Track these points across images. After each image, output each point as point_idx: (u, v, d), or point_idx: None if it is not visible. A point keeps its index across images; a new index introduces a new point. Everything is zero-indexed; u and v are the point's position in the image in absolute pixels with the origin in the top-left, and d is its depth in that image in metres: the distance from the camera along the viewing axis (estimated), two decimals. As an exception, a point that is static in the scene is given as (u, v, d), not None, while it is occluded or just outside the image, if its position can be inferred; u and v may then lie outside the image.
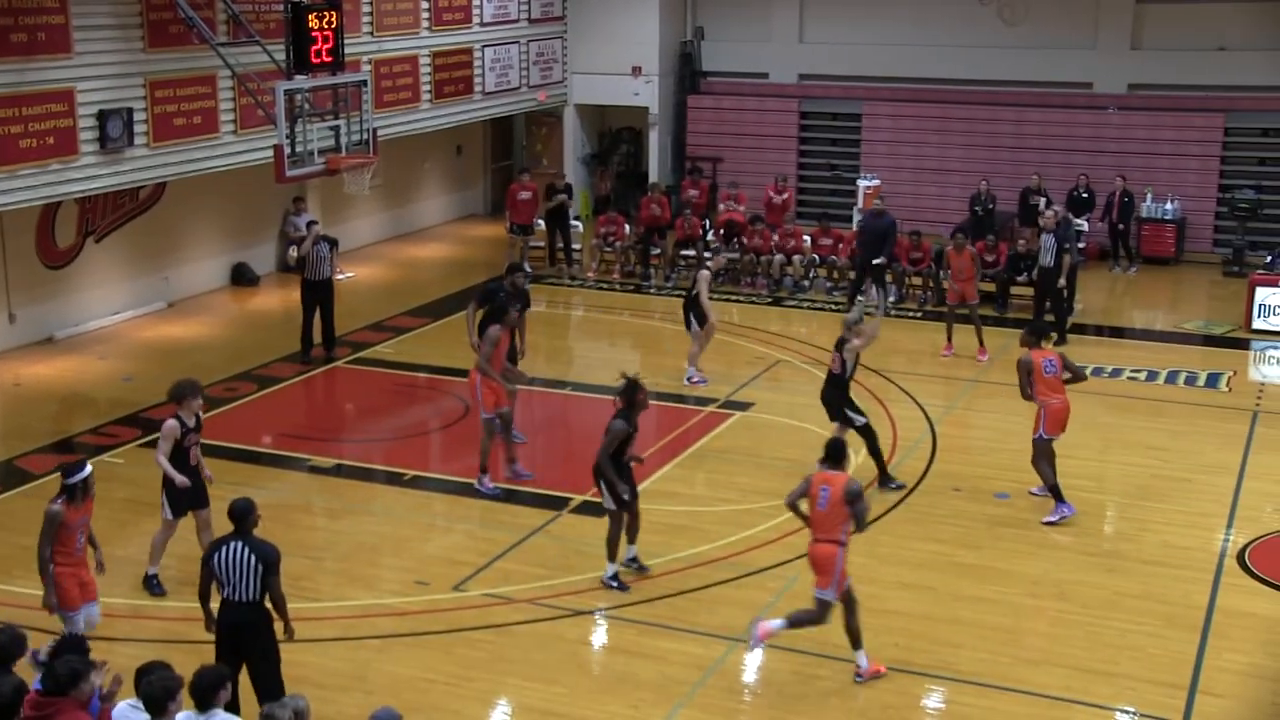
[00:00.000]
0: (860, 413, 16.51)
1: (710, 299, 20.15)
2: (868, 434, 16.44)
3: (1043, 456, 15.52)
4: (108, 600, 13.50)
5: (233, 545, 10.68)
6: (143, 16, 20.50)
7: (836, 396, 16.45)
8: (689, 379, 20.12)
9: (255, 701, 10.42)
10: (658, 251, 26.75)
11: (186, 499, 13.55)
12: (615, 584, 13.87)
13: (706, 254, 24.21)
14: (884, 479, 16.43)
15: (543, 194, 27.33)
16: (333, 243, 21.44)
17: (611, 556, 13.93)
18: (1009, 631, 13.07)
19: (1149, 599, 13.74)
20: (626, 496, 13.79)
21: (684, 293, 20.94)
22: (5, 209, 19.50)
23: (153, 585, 13.86)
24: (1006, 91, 29.61)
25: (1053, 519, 15.39)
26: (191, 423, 13.53)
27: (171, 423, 13.46)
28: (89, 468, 11.93)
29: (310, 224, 22.21)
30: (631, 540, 14.17)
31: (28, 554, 14.72)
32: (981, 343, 21.38)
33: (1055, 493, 15.49)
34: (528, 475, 16.73)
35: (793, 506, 12.35)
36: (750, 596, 13.74)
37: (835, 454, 12.36)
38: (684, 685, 12.10)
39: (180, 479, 13.39)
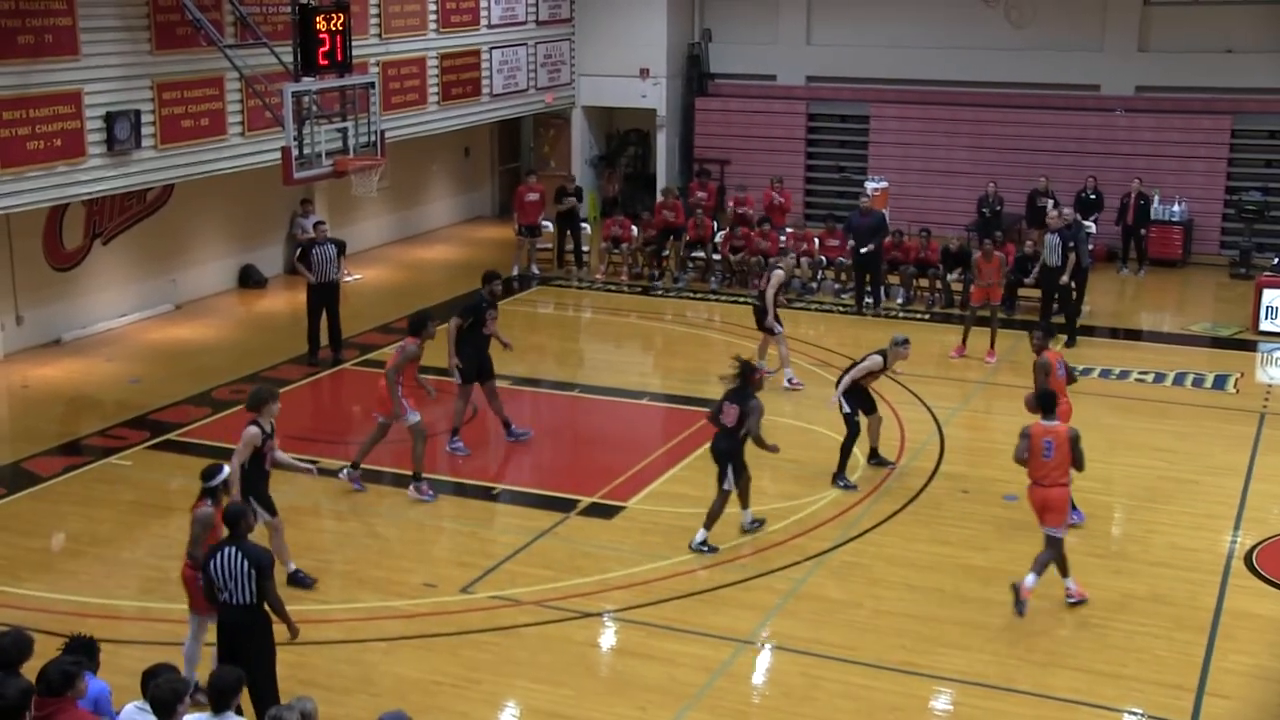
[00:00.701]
0: (856, 410, 16.57)
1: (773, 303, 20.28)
2: (851, 426, 16.55)
3: None
4: (114, 603, 13.57)
5: (227, 550, 10.68)
6: (150, 18, 20.53)
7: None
8: (789, 381, 20.08)
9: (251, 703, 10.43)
10: (667, 254, 26.74)
11: (266, 501, 13.45)
12: (706, 548, 14.69)
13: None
14: (839, 474, 16.56)
15: (553, 196, 27.36)
16: (340, 245, 21.44)
17: (708, 525, 14.77)
18: (1016, 633, 13.05)
19: (1156, 601, 13.72)
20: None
21: (754, 299, 20.81)
22: (12, 211, 19.54)
23: (300, 580, 13.84)
24: (1014, 93, 29.60)
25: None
26: (268, 428, 13.46)
27: (253, 429, 13.32)
28: (226, 469, 11.92)
29: (318, 224, 22.19)
30: (746, 505, 15.16)
31: (34, 556, 14.82)
32: (993, 345, 21.39)
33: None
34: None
35: (1021, 460, 13.47)
36: (758, 599, 13.73)
37: (1048, 404, 13.57)
38: (691, 687, 12.09)
39: (234, 493, 12.97)
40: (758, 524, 15.23)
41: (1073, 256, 21.78)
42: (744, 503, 15.09)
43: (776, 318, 20.11)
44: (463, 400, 17.79)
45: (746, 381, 14.82)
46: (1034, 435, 13.35)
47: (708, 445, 15.11)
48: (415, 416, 16.05)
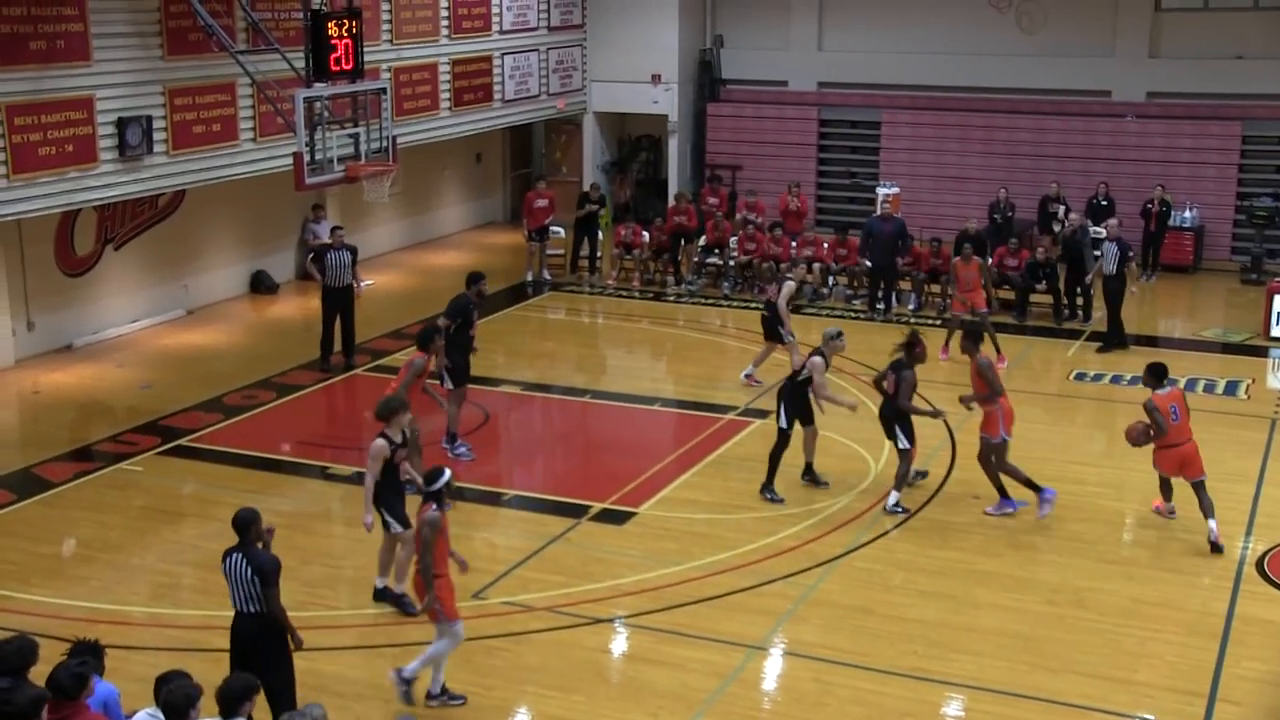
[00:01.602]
0: (792, 420, 16.35)
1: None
2: (781, 437, 16.38)
3: (1006, 456, 15.71)
4: (125, 609, 13.57)
5: (234, 557, 10.67)
6: (162, 24, 20.58)
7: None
8: None
9: (269, 711, 10.43)
10: (679, 258, 26.73)
11: (398, 513, 13.32)
12: (900, 509, 15.79)
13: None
14: (766, 484, 16.37)
15: (576, 202, 27.48)
16: (353, 251, 21.45)
17: (898, 487, 15.85)
18: (1027, 639, 13.04)
19: (1167, 606, 13.70)
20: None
21: (762, 306, 20.77)
22: (24, 217, 19.59)
23: (385, 596, 13.67)
24: (1025, 99, 29.60)
25: (994, 511, 15.83)
26: (399, 439, 13.38)
27: (380, 442, 13.22)
28: (449, 472, 11.91)
29: (335, 230, 22.13)
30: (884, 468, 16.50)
31: (46, 562, 14.83)
32: (998, 349, 21.34)
33: (1009, 488, 15.82)
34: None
35: (1163, 432, 14.87)
36: (769, 604, 13.72)
37: (1159, 375, 15.14)
38: (703, 693, 12.09)
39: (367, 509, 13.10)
40: (900, 508, 15.84)
41: (1133, 265, 22.00)
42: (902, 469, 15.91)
43: (788, 328, 20.10)
44: (455, 404, 17.73)
45: (909, 353, 15.70)
46: (1161, 407, 14.84)
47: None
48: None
